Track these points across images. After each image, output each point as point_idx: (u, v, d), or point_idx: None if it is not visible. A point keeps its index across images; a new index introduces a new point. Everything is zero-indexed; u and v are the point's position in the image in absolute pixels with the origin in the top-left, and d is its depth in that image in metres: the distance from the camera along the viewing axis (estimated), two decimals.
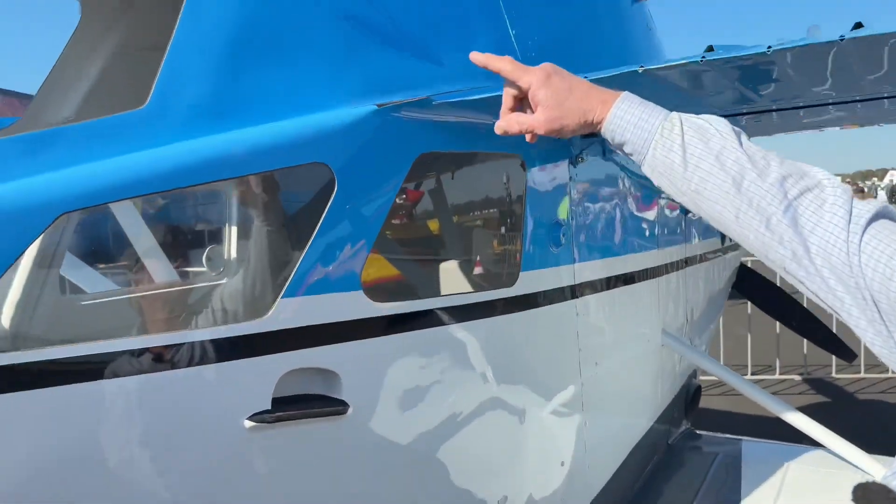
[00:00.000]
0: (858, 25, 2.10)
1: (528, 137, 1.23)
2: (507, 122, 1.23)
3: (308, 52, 1.95)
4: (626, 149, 1.13)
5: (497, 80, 1.34)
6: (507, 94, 1.25)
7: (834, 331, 6.39)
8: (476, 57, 1.27)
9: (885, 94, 2.52)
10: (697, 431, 4.29)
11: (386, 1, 2.21)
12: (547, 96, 1.16)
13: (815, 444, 3.18)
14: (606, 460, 2.97)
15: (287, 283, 1.73)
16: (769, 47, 1.51)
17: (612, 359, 2.95)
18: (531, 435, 2.47)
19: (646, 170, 1.12)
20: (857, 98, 2.60)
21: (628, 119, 1.10)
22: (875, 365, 8.16)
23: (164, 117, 1.68)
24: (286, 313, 1.72)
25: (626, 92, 1.13)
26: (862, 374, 8.21)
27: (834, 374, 8.28)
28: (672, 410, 3.95)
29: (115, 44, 2.03)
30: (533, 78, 1.18)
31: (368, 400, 1.89)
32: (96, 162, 1.55)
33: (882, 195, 39.73)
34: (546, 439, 2.58)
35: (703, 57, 1.57)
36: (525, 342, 2.42)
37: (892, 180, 58.50)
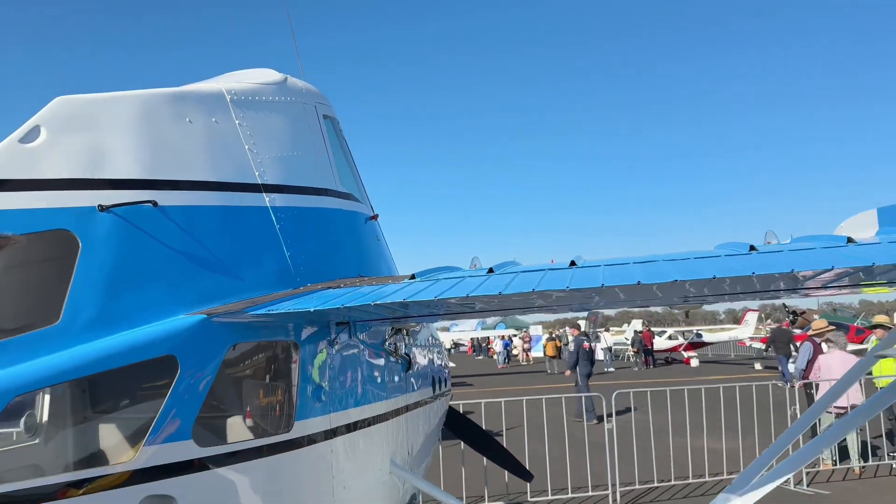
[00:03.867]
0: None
1: None
2: None
3: (156, 281, 2.97)
4: None
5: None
6: None
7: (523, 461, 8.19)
8: None
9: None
10: None
11: (205, 240, 3.31)
12: None
13: None
14: None
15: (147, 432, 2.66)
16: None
17: (356, 482, 4.05)
18: None
19: None
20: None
21: None
22: (561, 489, 10.26)
23: (72, 328, 2.56)
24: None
25: None
26: (549, 497, 10.18)
27: (529, 499, 10.11)
28: None
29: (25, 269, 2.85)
30: None
31: None
32: (32, 361, 2.40)
33: None
34: None
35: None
36: (296, 471, 3.44)
37: None
